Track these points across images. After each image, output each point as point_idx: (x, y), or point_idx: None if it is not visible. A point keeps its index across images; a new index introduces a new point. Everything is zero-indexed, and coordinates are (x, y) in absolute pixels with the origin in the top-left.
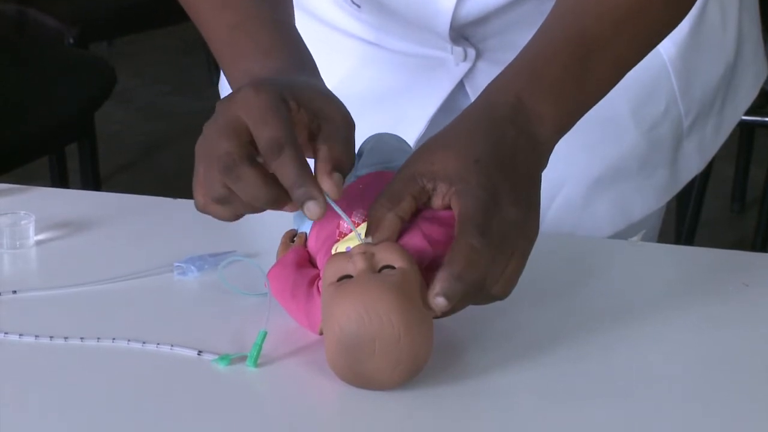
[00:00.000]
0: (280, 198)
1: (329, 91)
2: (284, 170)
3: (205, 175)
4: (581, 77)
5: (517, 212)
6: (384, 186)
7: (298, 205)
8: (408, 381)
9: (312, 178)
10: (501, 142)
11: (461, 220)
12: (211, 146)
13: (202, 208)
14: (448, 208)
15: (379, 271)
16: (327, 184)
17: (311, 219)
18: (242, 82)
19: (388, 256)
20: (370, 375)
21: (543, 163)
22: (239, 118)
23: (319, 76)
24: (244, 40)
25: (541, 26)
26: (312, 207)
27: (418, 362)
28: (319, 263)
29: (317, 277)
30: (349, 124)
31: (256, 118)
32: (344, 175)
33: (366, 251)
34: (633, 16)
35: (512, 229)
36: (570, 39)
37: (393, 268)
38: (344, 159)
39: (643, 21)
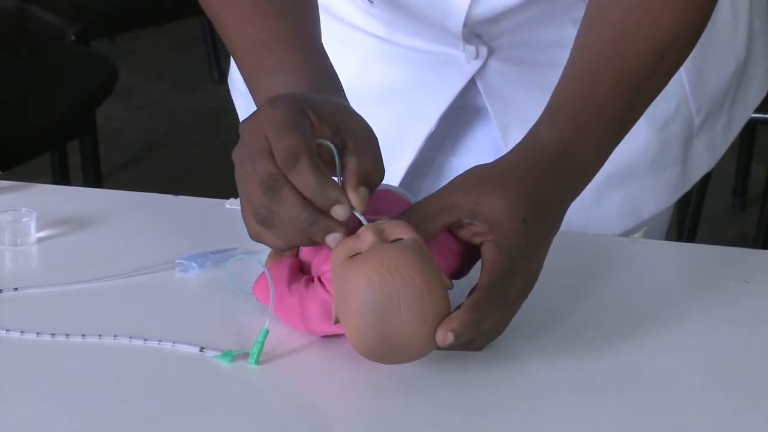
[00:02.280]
0: (320, 219)
1: (351, 107)
2: (302, 179)
3: (247, 199)
4: (623, 123)
5: (530, 285)
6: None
7: (325, 210)
8: (431, 346)
9: (333, 183)
10: (548, 204)
11: (493, 275)
12: (248, 171)
13: (255, 237)
14: (470, 241)
15: (391, 242)
16: (353, 198)
17: (340, 220)
18: (264, 99)
19: (396, 230)
20: (397, 337)
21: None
22: (263, 136)
23: (344, 94)
24: (268, 57)
25: (582, 62)
26: (338, 210)
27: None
28: (315, 267)
29: (312, 279)
30: (374, 139)
31: (274, 132)
32: (373, 189)
33: (374, 228)
34: (667, 52)
35: (520, 296)
36: (617, 82)
37: (402, 240)
38: (374, 173)
39: (674, 54)
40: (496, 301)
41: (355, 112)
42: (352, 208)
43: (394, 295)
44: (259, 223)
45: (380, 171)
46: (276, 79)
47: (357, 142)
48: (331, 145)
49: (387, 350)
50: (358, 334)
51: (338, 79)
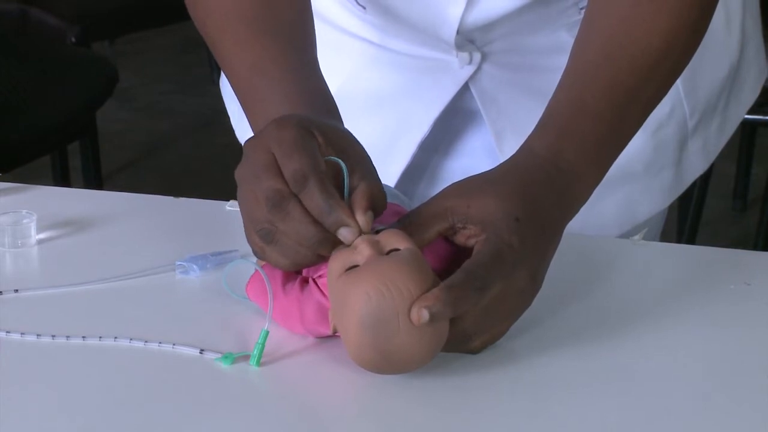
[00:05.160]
0: (327, 239)
1: (350, 132)
2: (311, 200)
3: (249, 216)
4: (618, 130)
5: (527, 284)
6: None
7: (332, 232)
8: (432, 358)
9: (341, 205)
10: (542, 206)
11: (473, 261)
12: (252, 188)
13: (259, 254)
14: (466, 245)
15: (387, 254)
16: (361, 220)
17: (345, 243)
18: (263, 123)
19: (391, 240)
20: (398, 352)
21: (569, 219)
22: (270, 153)
23: (339, 118)
24: (264, 82)
25: (574, 72)
26: (345, 233)
27: (440, 336)
28: (308, 268)
29: (306, 280)
30: (373, 166)
31: (282, 152)
32: (377, 216)
33: (369, 239)
34: (661, 59)
35: (515, 296)
36: (608, 89)
37: (399, 250)
38: (380, 199)
39: (670, 62)
40: (473, 283)
41: (357, 140)
42: (358, 234)
43: (392, 311)
44: (262, 239)
45: (385, 199)
46: (272, 103)
47: (364, 167)
48: (341, 162)
49: (387, 364)
50: (358, 349)
51: (333, 102)
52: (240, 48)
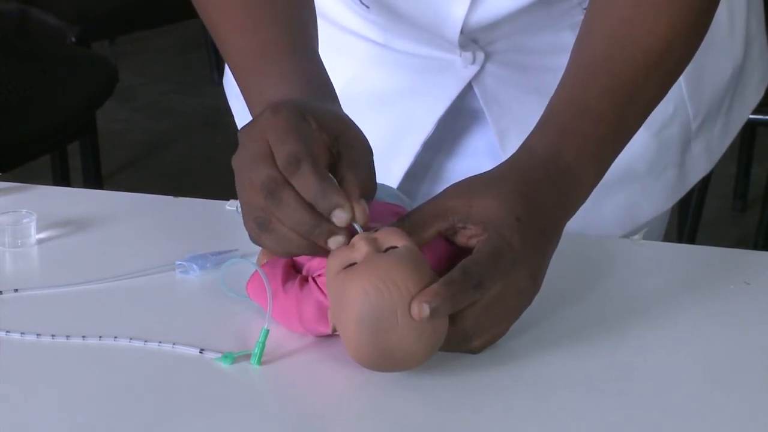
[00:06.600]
0: (321, 225)
1: (347, 116)
2: (304, 183)
3: (246, 204)
4: (619, 130)
5: (527, 284)
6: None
7: (325, 215)
8: (430, 355)
9: (335, 187)
10: (542, 206)
11: (472, 258)
12: (248, 176)
13: (255, 241)
14: (467, 246)
15: (385, 251)
16: (357, 209)
17: (340, 225)
18: (260, 106)
19: (389, 238)
20: (396, 349)
21: (568, 219)
22: (265, 141)
23: (338, 102)
24: (263, 64)
25: (575, 72)
26: (339, 214)
27: (438, 333)
28: (307, 267)
29: (306, 279)
30: (369, 151)
31: (275, 137)
32: (369, 203)
33: (367, 237)
34: (662, 60)
35: (515, 296)
36: (608, 89)
37: (397, 248)
38: (370, 186)
39: (670, 63)
40: (471, 280)
41: (354, 124)
42: (353, 218)
43: (390, 308)
44: (257, 227)
45: (374, 186)
46: (269, 85)
47: (354, 154)
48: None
49: (385, 361)
50: (356, 347)
51: (332, 87)
52: (239, 31)
